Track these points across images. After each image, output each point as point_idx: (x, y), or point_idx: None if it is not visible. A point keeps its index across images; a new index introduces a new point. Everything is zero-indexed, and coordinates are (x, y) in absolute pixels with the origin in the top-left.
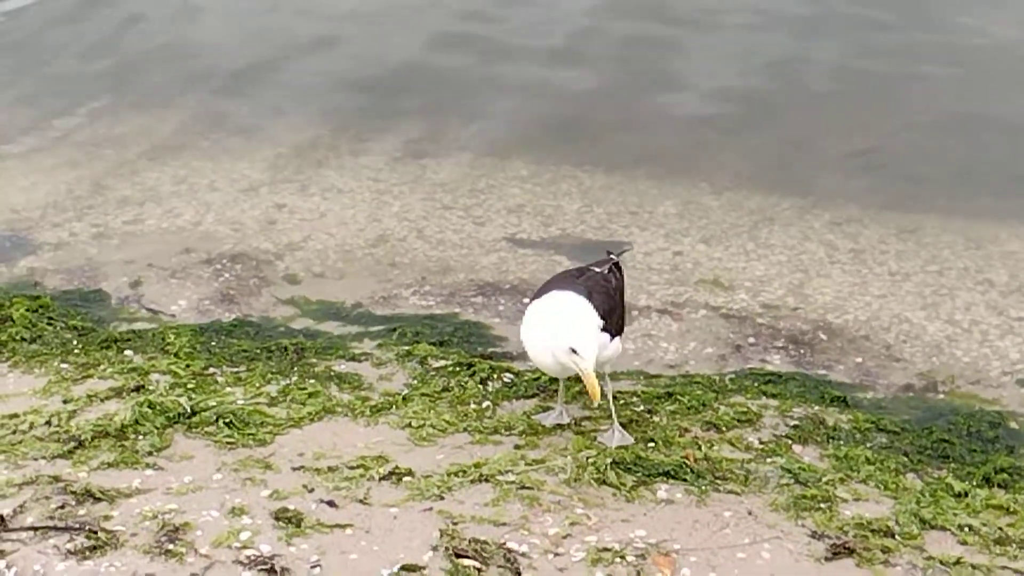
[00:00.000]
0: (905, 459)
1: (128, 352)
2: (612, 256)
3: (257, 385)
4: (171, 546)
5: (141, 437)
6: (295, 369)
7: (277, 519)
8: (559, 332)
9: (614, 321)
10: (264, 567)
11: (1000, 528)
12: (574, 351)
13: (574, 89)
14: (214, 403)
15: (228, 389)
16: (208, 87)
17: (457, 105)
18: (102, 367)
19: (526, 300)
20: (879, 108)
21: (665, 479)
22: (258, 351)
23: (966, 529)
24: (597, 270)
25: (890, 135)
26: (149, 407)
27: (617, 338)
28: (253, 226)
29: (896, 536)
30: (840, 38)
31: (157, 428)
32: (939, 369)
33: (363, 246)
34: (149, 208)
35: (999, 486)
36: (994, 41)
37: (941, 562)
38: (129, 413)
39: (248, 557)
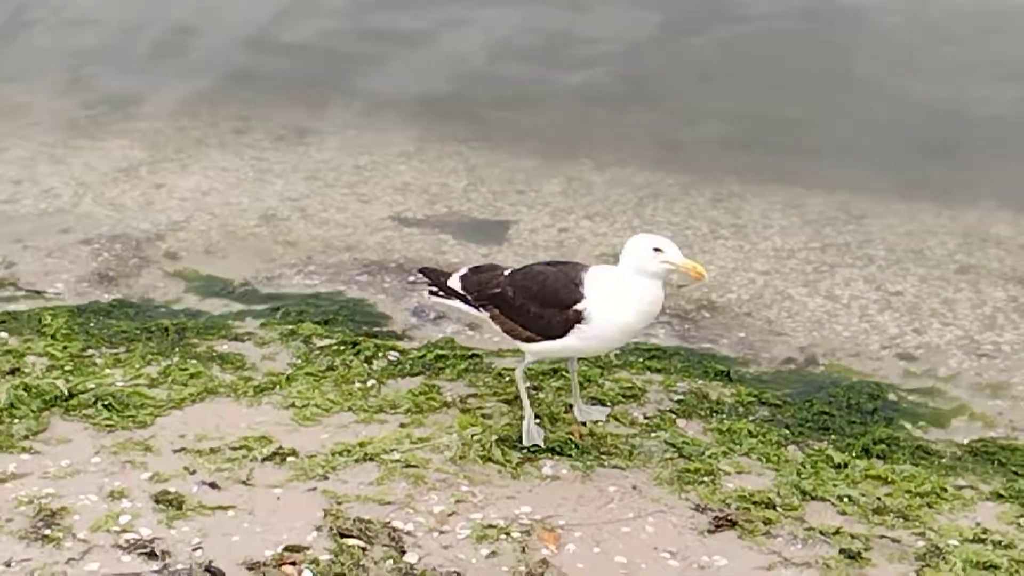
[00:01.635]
0: (786, 432)
1: (2, 334)
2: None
3: (137, 366)
4: (48, 531)
5: (16, 421)
6: (176, 350)
7: (158, 502)
8: (630, 253)
9: None
10: (144, 551)
11: (879, 498)
12: (658, 249)
13: (459, 66)
14: (93, 385)
15: (107, 371)
16: (85, 62)
17: (341, 83)
18: None
19: (411, 279)
20: (763, 84)
21: (551, 455)
22: (138, 332)
23: (845, 499)
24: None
25: (774, 111)
26: (25, 390)
27: None
28: (132, 206)
29: (777, 507)
30: (722, 13)
31: (33, 411)
32: (820, 343)
33: (246, 226)
34: (25, 187)
35: (878, 457)
36: (876, 15)
37: (821, 532)
38: (4, 396)
39: (128, 541)
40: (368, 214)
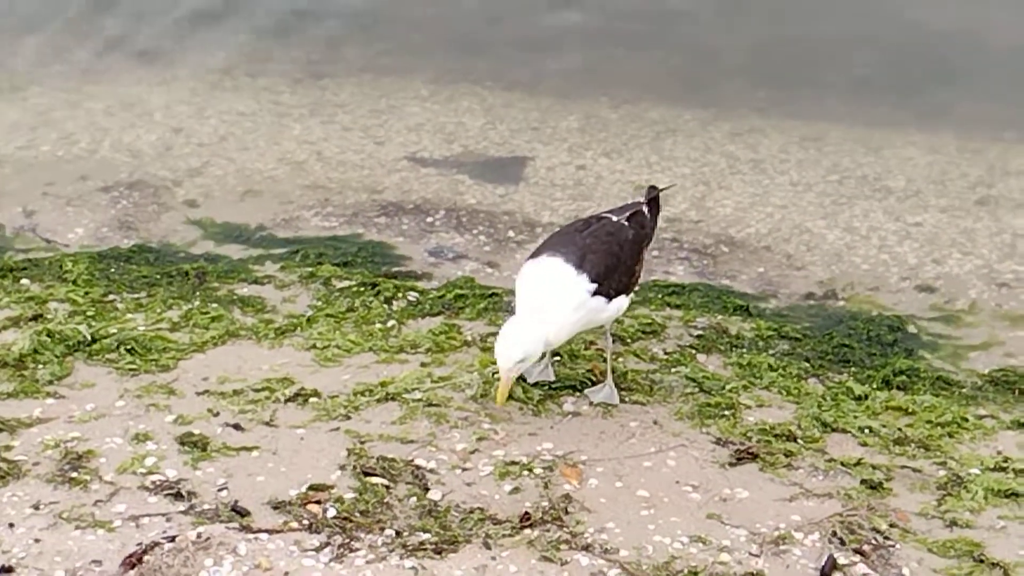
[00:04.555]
0: (807, 365)
1: (25, 281)
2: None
3: (158, 311)
4: (75, 474)
5: (41, 366)
6: (197, 293)
7: (182, 444)
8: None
9: (613, 281)
10: (170, 492)
11: (899, 429)
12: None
13: (471, 5)
14: (115, 330)
15: (129, 316)
16: (98, 9)
17: (355, 25)
18: None
19: (430, 219)
20: (778, 17)
21: (571, 392)
22: (158, 276)
23: (866, 431)
24: (615, 219)
25: (790, 44)
26: (48, 336)
27: (620, 297)
28: (150, 152)
29: (798, 440)
30: None
31: (57, 357)
32: (839, 276)
33: (264, 170)
34: (43, 134)
35: (898, 388)
36: None
37: (842, 463)
38: (27, 342)
39: (154, 482)
40: (383, 155)
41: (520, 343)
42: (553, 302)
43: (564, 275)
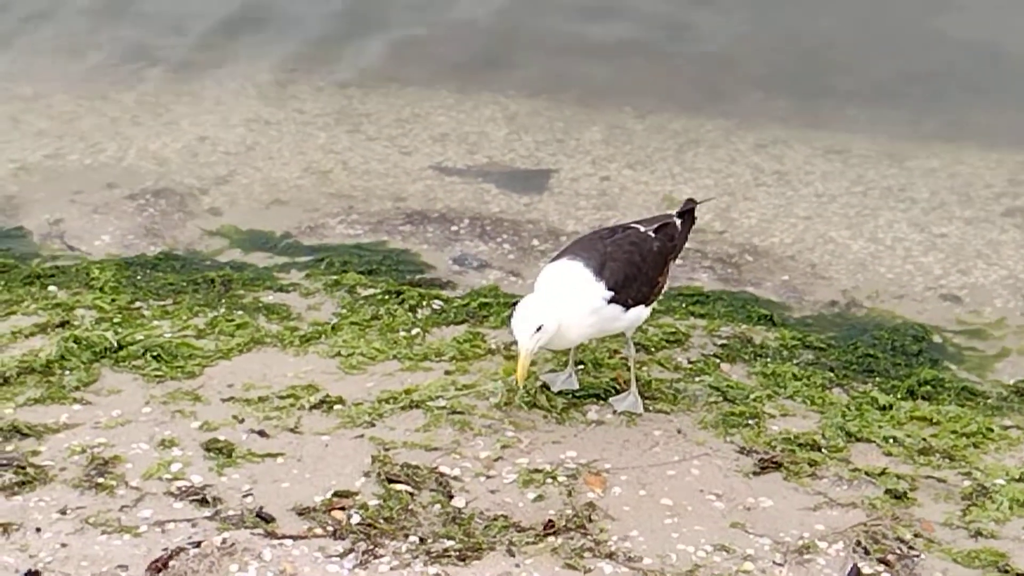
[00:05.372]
0: (831, 374)
1: (52, 288)
2: (672, 213)
3: (184, 318)
4: (101, 479)
5: (67, 372)
6: (222, 301)
7: (208, 450)
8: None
9: (632, 291)
10: (196, 497)
11: (924, 439)
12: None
13: (495, 14)
14: (141, 337)
15: (155, 323)
16: (125, 18)
17: (381, 34)
18: (25, 303)
19: (455, 228)
20: (800, 27)
21: (595, 400)
22: (184, 284)
23: (891, 441)
24: (642, 229)
25: (813, 54)
26: (75, 342)
27: (639, 307)
28: (176, 160)
29: (823, 449)
30: None
31: (84, 363)
32: (864, 286)
33: (289, 178)
34: (69, 143)
35: (923, 398)
36: None
37: (867, 473)
38: (55, 348)
39: (179, 488)
40: (408, 164)
41: (537, 313)
42: (568, 303)
43: (581, 278)
